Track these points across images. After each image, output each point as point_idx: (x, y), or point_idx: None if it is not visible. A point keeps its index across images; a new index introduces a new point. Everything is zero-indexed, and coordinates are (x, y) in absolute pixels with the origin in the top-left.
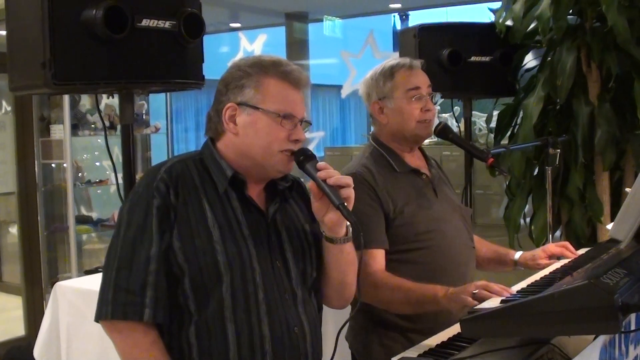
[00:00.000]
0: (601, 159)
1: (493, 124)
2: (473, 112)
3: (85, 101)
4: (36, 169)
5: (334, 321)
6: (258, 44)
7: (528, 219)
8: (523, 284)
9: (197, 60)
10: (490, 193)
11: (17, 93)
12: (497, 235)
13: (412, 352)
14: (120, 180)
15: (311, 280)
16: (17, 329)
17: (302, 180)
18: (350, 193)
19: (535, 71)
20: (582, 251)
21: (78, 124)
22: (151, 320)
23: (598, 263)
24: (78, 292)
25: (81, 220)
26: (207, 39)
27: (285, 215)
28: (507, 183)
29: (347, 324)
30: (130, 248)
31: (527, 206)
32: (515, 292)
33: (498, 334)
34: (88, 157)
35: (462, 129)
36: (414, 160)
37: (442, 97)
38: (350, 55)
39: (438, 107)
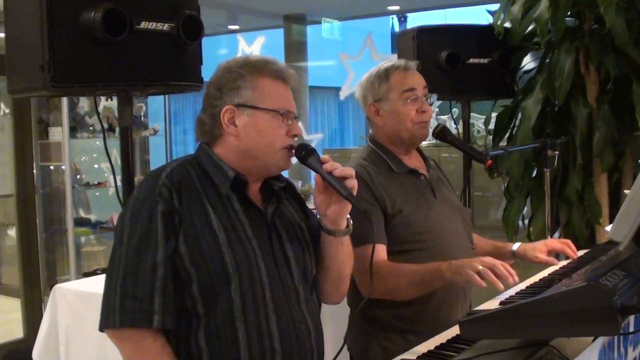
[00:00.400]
0: (600, 161)
1: (491, 126)
2: (471, 114)
3: (84, 103)
4: (35, 171)
5: (332, 323)
6: (256, 46)
7: (527, 221)
8: (522, 286)
9: (195, 63)
10: (488, 195)
11: (16, 95)
12: (495, 236)
13: (411, 355)
14: (119, 183)
15: (311, 278)
16: (16, 332)
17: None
18: (354, 183)
19: (533, 73)
20: (580, 253)
21: (76, 126)
22: (160, 326)
23: (597, 265)
24: (77, 294)
25: (80, 222)
26: (205, 41)
27: (283, 215)
28: (506, 185)
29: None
30: (135, 255)
31: (525, 208)
32: (516, 279)
33: (497, 335)
34: (86, 160)
35: (461, 130)
36: (412, 161)
37: (440, 99)
38: (349, 58)
39: (436, 109)
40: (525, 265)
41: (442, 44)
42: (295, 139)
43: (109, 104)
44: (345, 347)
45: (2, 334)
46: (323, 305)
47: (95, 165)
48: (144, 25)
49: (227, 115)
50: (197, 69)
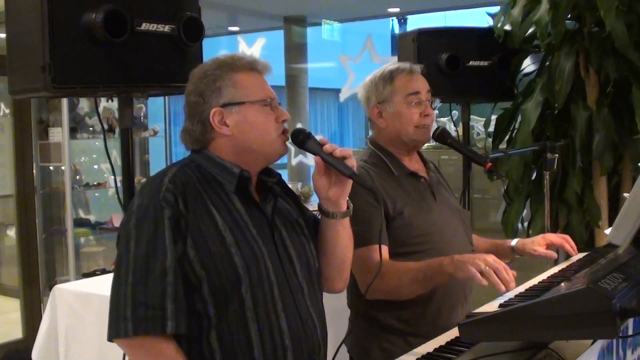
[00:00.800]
0: (599, 164)
1: (491, 129)
2: (471, 117)
3: (84, 104)
4: (34, 171)
5: (332, 324)
6: (257, 47)
7: (526, 224)
8: (521, 288)
9: (196, 64)
10: (488, 197)
11: (17, 96)
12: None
13: (411, 357)
14: (119, 184)
15: (315, 272)
16: (15, 332)
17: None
18: (354, 162)
19: (533, 76)
20: (580, 255)
21: (76, 127)
22: (174, 331)
23: (596, 268)
24: (76, 295)
25: (79, 223)
26: (206, 42)
27: (281, 212)
28: (505, 187)
29: (346, 328)
30: (144, 262)
31: (525, 210)
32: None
33: (496, 338)
34: (86, 160)
35: (461, 133)
36: (412, 164)
37: (440, 102)
38: (349, 59)
39: (436, 112)
40: (525, 267)
41: (442, 46)
42: (285, 123)
43: (109, 104)
44: (346, 348)
45: (1, 334)
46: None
47: (95, 166)
48: (145, 26)
49: (216, 118)
50: None
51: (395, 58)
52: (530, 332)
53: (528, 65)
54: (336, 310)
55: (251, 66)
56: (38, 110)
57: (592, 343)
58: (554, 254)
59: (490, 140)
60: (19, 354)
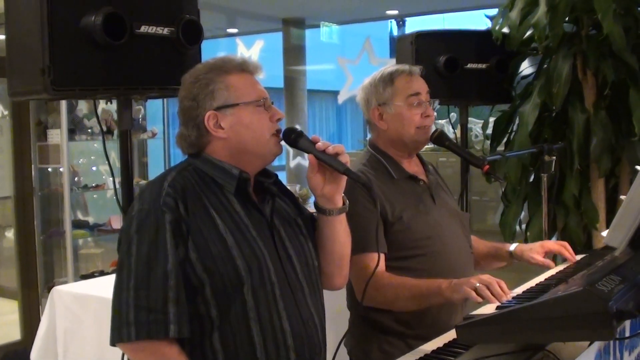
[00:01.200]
0: (597, 166)
1: (489, 131)
2: (469, 119)
3: (82, 106)
4: (33, 173)
5: (333, 326)
6: (255, 49)
7: (524, 226)
8: (518, 290)
9: (195, 66)
10: (486, 199)
11: (16, 99)
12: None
13: (409, 358)
14: (118, 185)
15: (314, 271)
16: (13, 334)
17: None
18: (347, 158)
19: (531, 78)
20: (578, 257)
21: (75, 129)
22: (177, 335)
23: (593, 270)
24: (75, 297)
25: (77, 224)
26: (204, 44)
27: (279, 212)
28: (503, 190)
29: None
30: (146, 266)
31: (522, 213)
32: (510, 298)
33: (493, 340)
34: (85, 162)
35: (459, 135)
36: (412, 166)
37: (439, 104)
38: (347, 62)
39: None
40: (522, 269)
41: (440, 49)
42: (279, 122)
43: (107, 106)
44: (346, 350)
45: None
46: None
47: (94, 168)
48: (144, 29)
49: (211, 121)
50: None
51: (394, 60)
52: (527, 334)
53: (526, 67)
54: (336, 312)
55: (242, 67)
56: (37, 112)
57: (589, 345)
58: (552, 263)
59: (488, 142)
60: (16, 355)
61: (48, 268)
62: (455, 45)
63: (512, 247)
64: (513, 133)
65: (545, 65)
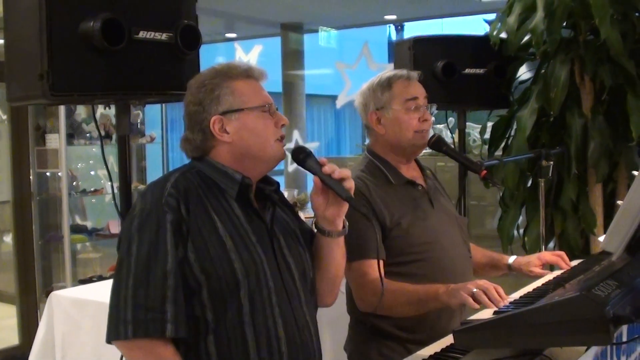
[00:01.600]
0: (594, 171)
1: (487, 136)
2: (467, 124)
3: (81, 110)
4: (31, 177)
5: (331, 330)
6: (254, 54)
7: (521, 230)
8: (516, 295)
9: (193, 71)
10: (484, 204)
11: (15, 104)
12: (490, 246)
13: None
14: (116, 190)
15: (310, 281)
16: (11, 338)
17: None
18: (352, 184)
19: (529, 83)
20: (575, 263)
21: (73, 133)
22: (174, 335)
23: (590, 275)
24: (73, 301)
25: (76, 229)
26: (202, 49)
27: (279, 220)
28: (501, 194)
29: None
30: (145, 265)
31: (520, 217)
32: (507, 303)
33: (491, 345)
34: (83, 166)
35: (457, 140)
36: (410, 171)
37: (437, 108)
38: (345, 66)
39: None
40: (519, 274)
41: (438, 54)
42: (283, 128)
43: (106, 111)
44: (347, 356)
45: None
46: (322, 312)
47: (92, 172)
48: (142, 34)
49: (216, 126)
50: None
51: (392, 65)
52: (524, 339)
53: (524, 72)
54: (335, 316)
55: (247, 73)
56: (35, 117)
57: (586, 350)
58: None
59: (486, 147)
60: None
61: (46, 273)
62: (453, 50)
63: (511, 260)
64: (511, 138)
65: (543, 70)
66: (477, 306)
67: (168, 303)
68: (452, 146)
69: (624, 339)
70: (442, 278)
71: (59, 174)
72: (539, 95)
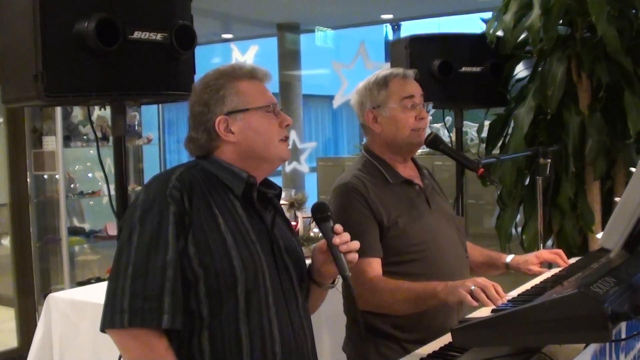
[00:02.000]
0: (592, 169)
1: (484, 134)
2: (464, 122)
3: (78, 112)
4: (28, 180)
5: (329, 330)
6: (250, 54)
7: (519, 229)
8: (514, 293)
9: (188, 72)
10: (482, 203)
11: (10, 105)
12: (488, 244)
13: None
14: (113, 192)
15: (306, 287)
16: (10, 341)
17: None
18: (355, 257)
19: (526, 81)
20: (573, 260)
21: (70, 136)
22: (170, 326)
23: (588, 272)
24: (71, 303)
25: (73, 231)
26: (199, 50)
27: (278, 225)
28: (499, 193)
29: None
30: (145, 255)
31: (518, 216)
32: (505, 301)
33: (489, 343)
34: (80, 169)
35: (454, 139)
36: (407, 170)
37: (433, 108)
38: (342, 66)
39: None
40: (518, 272)
41: (434, 52)
42: (287, 128)
43: (102, 112)
44: (345, 356)
45: None
46: (321, 312)
47: (89, 175)
48: (137, 35)
49: (221, 126)
50: (190, 78)
51: (389, 64)
52: (523, 336)
53: (520, 70)
54: (332, 317)
55: (252, 74)
56: (32, 119)
57: (585, 347)
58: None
59: (483, 146)
60: None
61: (44, 275)
62: (450, 49)
63: (508, 259)
64: (508, 136)
65: (540, 68)
66: (475, 304)
67: (166, 294)
68: (450, 145)
69: (623, 336)
70: (439, 278)
71: (56, 176)
72: (536, 93)
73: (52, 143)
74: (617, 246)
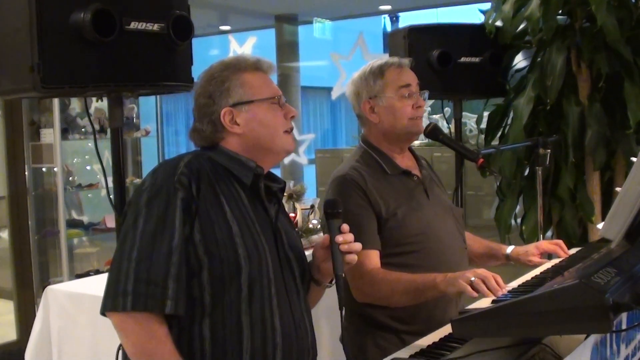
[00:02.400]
0: (592, 159)
1: (483, 125)
2: (463, 113)
3: (75, 105)
4: (26, 173)
5: (328, 325)
6: (248, 46)
7: (519, 220)
8: (514, 284)
9: (186, 63)
10: (481, 194)
11: (6, 97)
12: (488, 236)
13: (404, 353)
14: (111, 184)
15: (307, 280)
16: (9, 334)
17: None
18: (354, 259)
19: (525, 72)
20: (573, 251)
21: (68, 128)
22: (173, 311)
23: (589, 263)
24: (69, 296)
25: (72, 224)
26: (197, 42)
27: (281, 218)
28: (498, 184)
29: (342, 327)
30: (151, 239)
31: (518, 207)
32: (505, 292)
33: (489, 334)
34: (78, 161)
35: (453, 130)
36: (405, 161)
37: (432, 98)
38: (340, 57)
39: (428, 109)
40: (518, 264)
41: (433, 43)
42: (292, 120)
43: (100, 105)
44: (342, 347)
45: None
46: (319, 303)
47: (88, 167)
48: (133, 25)
49: (227, 117)
50: (187, 69)
51: (387, 55)
52: (523, 327)
53: (520, 61)
54: (330, 308)
55: (256, 66)
56: (29, 112)
57: (586, 338)
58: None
59: (482, 136)
60: (12, 356)
61: (43, 268)
62: (449, 39)
63: (509, 250)
64: (507, 127)
65: (539, 59)
66: (475, 294)
67: (170, 279)
68: (448, 135)
69: (624, 326)
70: (438, 269)
71: (55, 169)
72: (535, 84)
73: (50, 135)
74: (618, 236)
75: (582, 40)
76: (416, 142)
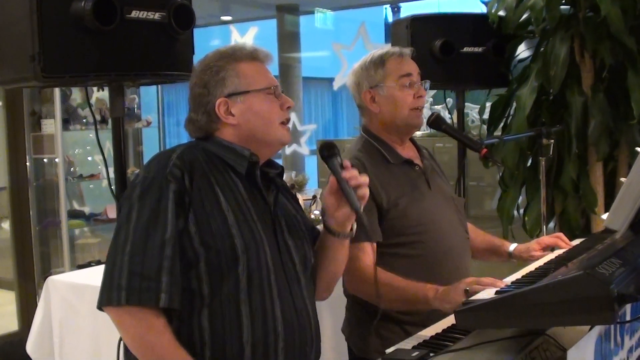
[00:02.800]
0: (595, 150)
1: (486, 115)
2: (466, 104)
3: (76, 95)
4: (28, 163)
5: (331, 316)
6: (249, 36)
7: (522, 210)
8: (518, 275)
9: (187, 52)
10: (483, 184)
11: (6, 86)
12: (490, 226)
13: (407, 344)
14: (112, 175)
15: (310, 266)
16: (10, 324)
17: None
18: (366, 192)
19: (528, 61)
20: (576, 242)
21: (69, 118)
22: (167, 305)
23: (593, 253)
24: (70, 286)
25: (73, 214)
26: (198, 32)
27: (281, 204)
28: (501, 174)
29: (344, 317)
30: (144, 233)
31: (520, 197)
32: (508, 283)
33: (493, 325)
34: (80, 152)
35: (455, 120)
36: (406, 151)
37: (434, 88)
38: (342, 47)
39: (430, 99)
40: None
41: (435, 32)
42: (289, 111)
43: (101, 95)
44: (344, 337)
45: None
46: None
47: (89, 158)
48: (134, 14)
49: (222, 108)
50: (188, 58)
51: (389, 45)
52: (527, 318)
53: (523, 51)
54: (333, 298)
55: (253, 56)
56: (30, 102)
57: (590, 329)
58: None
59: (485, 127)
60: (14, 346)
61: (44, 258)
62: (451, 29)
63: (511, 248)
64: (510, 117)
65: (543, 48)
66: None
67: (164, 272)
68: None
69: (628, 317)
70: (440, 259)
71: (56, 159)
72: (538, 74)
73: (51, 126)
74: (623, 227)
75: (585, 30)
76: (418, 133)
